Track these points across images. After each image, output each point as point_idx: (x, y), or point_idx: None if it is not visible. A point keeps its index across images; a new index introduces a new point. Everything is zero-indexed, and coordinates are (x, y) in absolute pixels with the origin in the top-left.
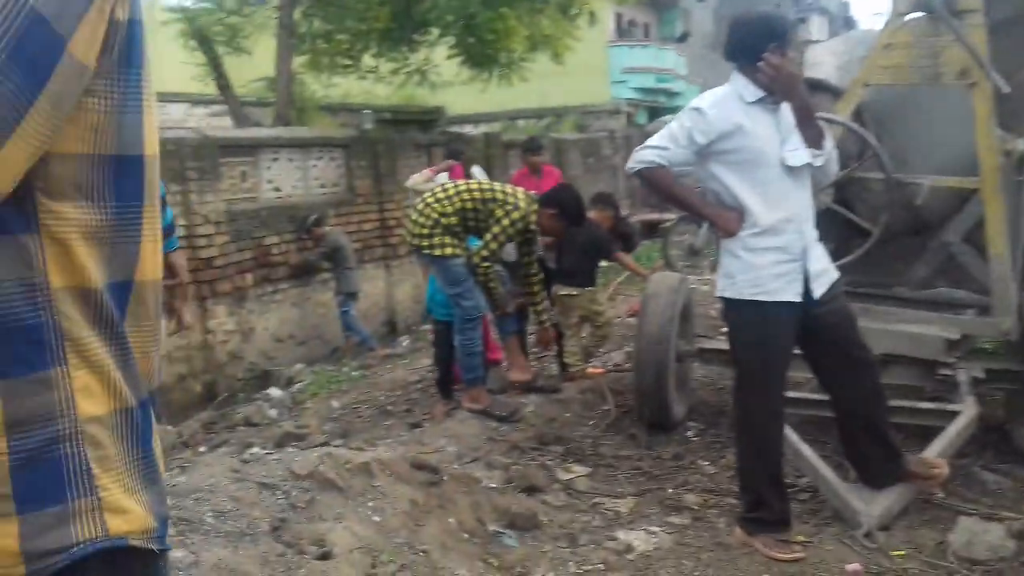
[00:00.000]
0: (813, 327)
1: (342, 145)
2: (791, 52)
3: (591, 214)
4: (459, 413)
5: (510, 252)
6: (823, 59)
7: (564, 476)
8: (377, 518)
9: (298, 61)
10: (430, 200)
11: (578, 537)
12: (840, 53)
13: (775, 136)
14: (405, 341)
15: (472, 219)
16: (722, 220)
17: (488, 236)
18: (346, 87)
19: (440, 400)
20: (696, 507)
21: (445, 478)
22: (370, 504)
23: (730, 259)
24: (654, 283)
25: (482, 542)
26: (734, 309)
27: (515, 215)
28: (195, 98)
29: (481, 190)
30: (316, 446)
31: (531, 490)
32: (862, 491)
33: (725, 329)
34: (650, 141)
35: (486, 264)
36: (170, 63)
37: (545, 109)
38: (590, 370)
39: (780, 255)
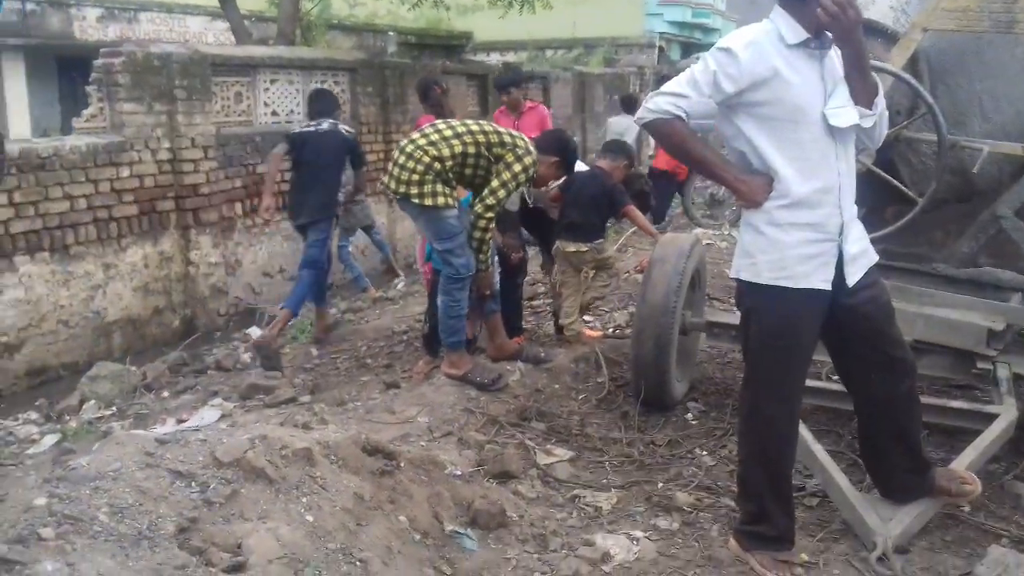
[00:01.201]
0: (843, 319)
1: (348, 69)
2: None
3: (602, 163)
4: (438, 377)
5: (513, 200)
6: None
7: (543, 460)
8: (311, 517)
9: None
10: (421, 142)
11: (549, 540)
12: None
13: (818, 88)
14: (400, 283)
15: (471, 165)
16: (746, 187)
17: (495, 183)
18: (373, 7)
19: (424, 356)
20: (688, 508)
21: (401, 464)
22: (304, 500)
23: (752, 234)
24: (662, 246)
25: (436, 544)
26: (751, 294)
27: (527, 160)
28: (216, 11)
29: (484, 132)
30: (280, 403)
31: (503, 477)
32: (880, 504)
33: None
34: (666, 87)
35: (489, 216)
36: None
37: (575, 40)
38: (587, 331)
39: (812, 233)
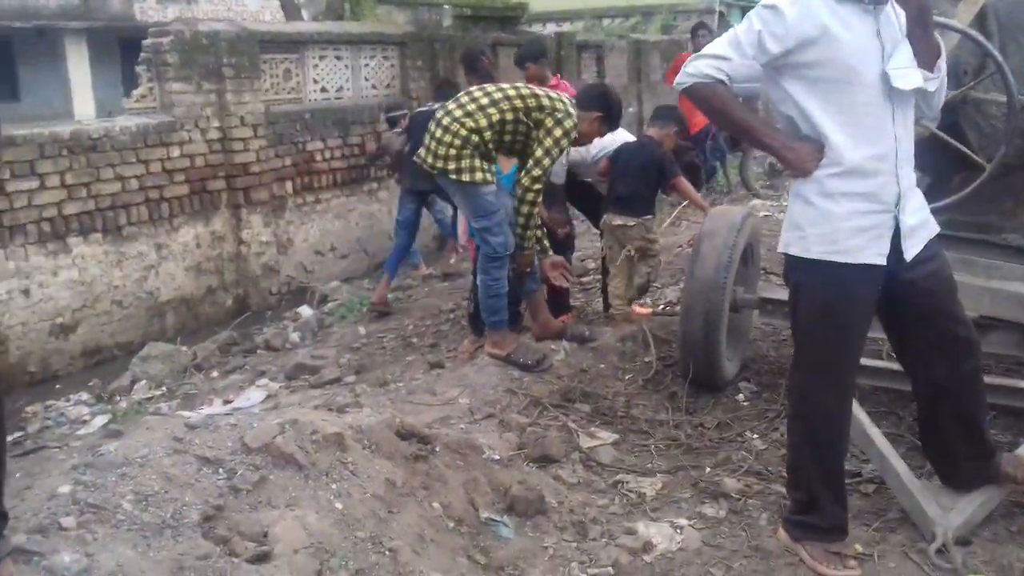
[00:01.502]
0: (901, 295)
1: (397, 43)
2: None
3: (651, 131)
4: (481, 358)
5: (559, 173)
6: None
7: (586, 443)
8: (340, 504)
9: None
10: (457, 113)
11: (589, 528)
12: None
13: (874, 47)
14: (452, 259)
15: (511, 132)
16: (794, 155)
17: (539, 152)
18: None
19: (470, 335)
20: (735, 495)
21: (437, 449)
22: (334, 486)
23: (801, 206)
24: (712, 219)
25: (471, 532)
26: (800, 270)
27: (568, 124)
28: None
29: (522, 96)
30: (325, 383)
31: (544, 461)
32: (940, 492)
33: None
34: (707, 48)
35: (537, 188)
36: None
37: (634, 7)
38: (637, 309)
39: (866, 203)
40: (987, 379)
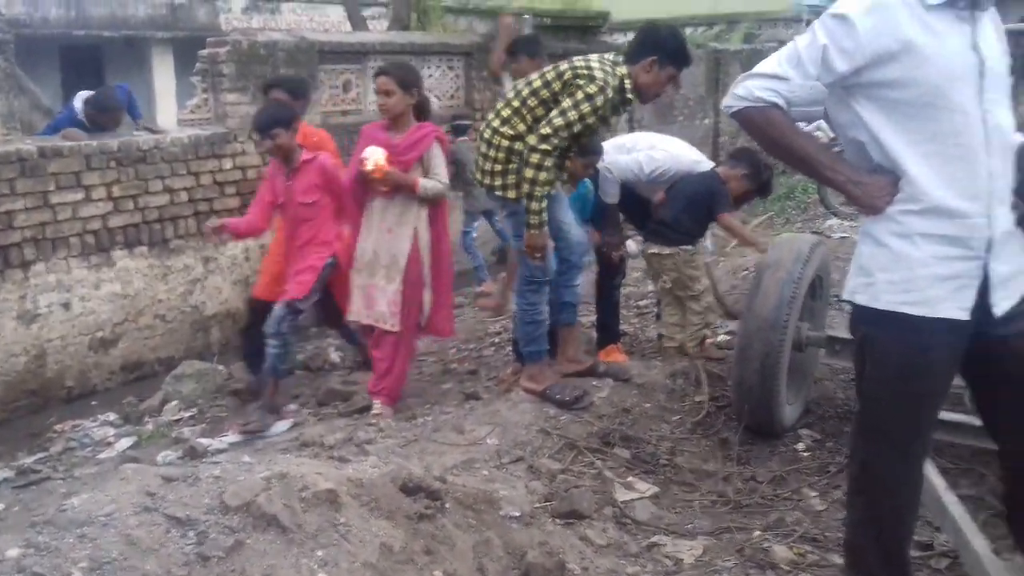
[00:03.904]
0: (988, 355)
1: (463, 53)
2: None
3: (720, 168)
4: (517, 392)
5: (611, 192)
6: None
7: (622, 496)
8: (324, 574)
9: None
10: (495, 124)
11: None
12: None
13: (969, 63)
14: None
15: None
16: (861, 189)
17: (553, 111)
18: None
19: (513, 363)
20: (786, 566)
21: (446, 505)
22: (319, 553)
23: (871, 247)
24: (777, 248)
25: None
26: (868, 322)
27: (591, 88)
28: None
29: (559, 73)
30: (354, 411)
31: (571, 517)
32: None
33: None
34: (761, 66)
35: (544, 148)
36: None
37: (718, 16)
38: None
39: (950, 248)
40: None
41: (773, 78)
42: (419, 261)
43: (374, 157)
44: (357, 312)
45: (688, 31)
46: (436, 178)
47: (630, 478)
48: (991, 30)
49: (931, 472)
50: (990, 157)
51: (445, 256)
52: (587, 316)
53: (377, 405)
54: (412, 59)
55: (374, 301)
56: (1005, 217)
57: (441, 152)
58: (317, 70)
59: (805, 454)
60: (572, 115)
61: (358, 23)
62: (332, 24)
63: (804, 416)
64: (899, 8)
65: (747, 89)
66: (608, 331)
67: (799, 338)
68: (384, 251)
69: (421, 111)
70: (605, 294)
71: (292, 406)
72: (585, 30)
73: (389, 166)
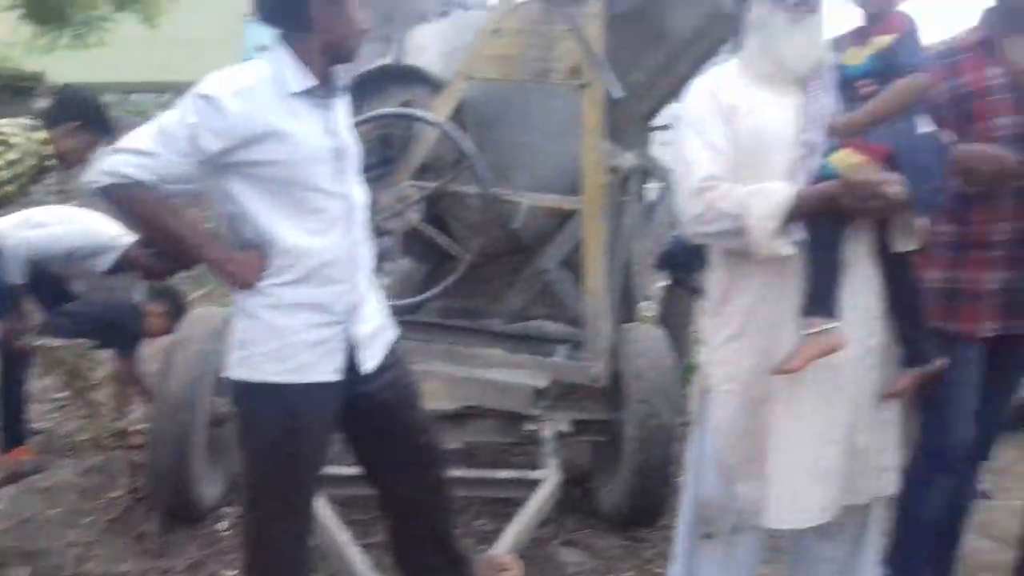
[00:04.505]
0: (360, 410)
1: None
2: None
3: None
4: None
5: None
6: (428, 43)
7: None
8: None
9: None
10: None
11: None
12: (449, 37)
13: (327, 146)
14: None
15: None
16: (234, 266)
17: None
18: None
19: None
20: None
21: None
22: None
23: (246, 320)
24: (188, 324)
25: None
26: (248, 395)
27: (10, 156)
28: None
29: None
30: None
31: None
32: None
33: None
34: (128, 142)
35: None
36: None
37: (169, 84)
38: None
39: (319, 315)
40: (471, 472)
41: (142, 154)
42: None
43: None
44: None
45: (134, 97)
46: None
47: None
48: (343, 116)
49: (334, 525)
50: (350, 229)
51: None
52: None
53: None
54: None
55: None
56: (366, 282)
57: None
58: None
59: (226, 533)
60: None
61: None
62: None
63: (230, 493)
64: (265, 93)
65: (112, 165)
66: (14, 432)
67: (216, 414)
68: None
69: None
70: (10, 390)
71: None
72: (16, 91)
73: None
